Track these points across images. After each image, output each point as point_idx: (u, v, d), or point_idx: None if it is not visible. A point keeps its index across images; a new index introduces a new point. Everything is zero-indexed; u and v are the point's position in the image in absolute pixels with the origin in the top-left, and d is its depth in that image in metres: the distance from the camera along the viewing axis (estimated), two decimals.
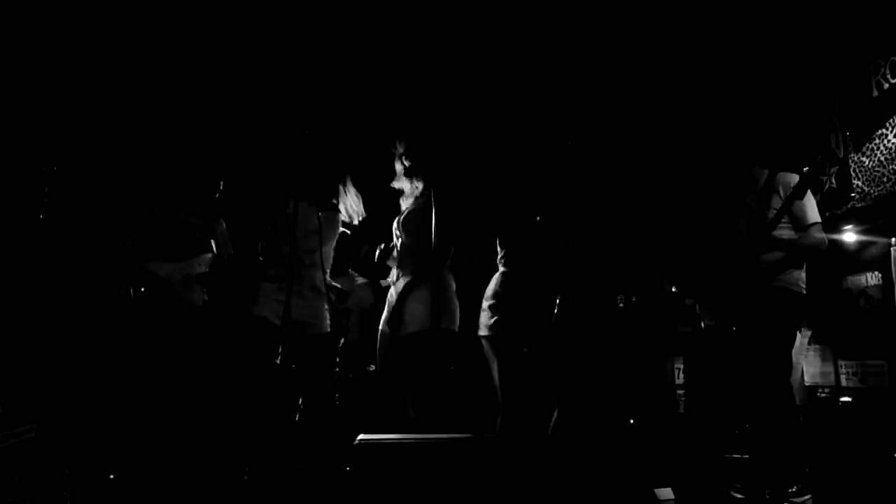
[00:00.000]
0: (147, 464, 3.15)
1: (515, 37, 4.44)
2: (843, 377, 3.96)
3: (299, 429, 3.37)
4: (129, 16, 3.93)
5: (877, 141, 3.71)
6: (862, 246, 3.93)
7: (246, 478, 2.89)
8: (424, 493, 1.78)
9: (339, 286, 3.26)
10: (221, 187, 3.44)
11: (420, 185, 3.25)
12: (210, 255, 3.40)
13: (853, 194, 3.89)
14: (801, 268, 3.29)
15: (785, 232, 3.23)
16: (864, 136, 3.82)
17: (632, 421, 3.96)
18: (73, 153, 3.59)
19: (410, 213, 3.28)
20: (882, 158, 3.67)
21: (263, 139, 4.27)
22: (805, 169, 3.06)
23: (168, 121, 4.63)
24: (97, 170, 4.23)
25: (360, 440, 1.83)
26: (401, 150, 3.28)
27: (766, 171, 3.42)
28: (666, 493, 3.31)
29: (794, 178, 3.26)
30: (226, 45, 4.30)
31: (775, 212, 3.20)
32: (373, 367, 4.10)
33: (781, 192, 3.24)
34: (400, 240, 3.29)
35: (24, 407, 2.88)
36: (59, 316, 3.68)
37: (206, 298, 3.30)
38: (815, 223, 3.20)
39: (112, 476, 3.16)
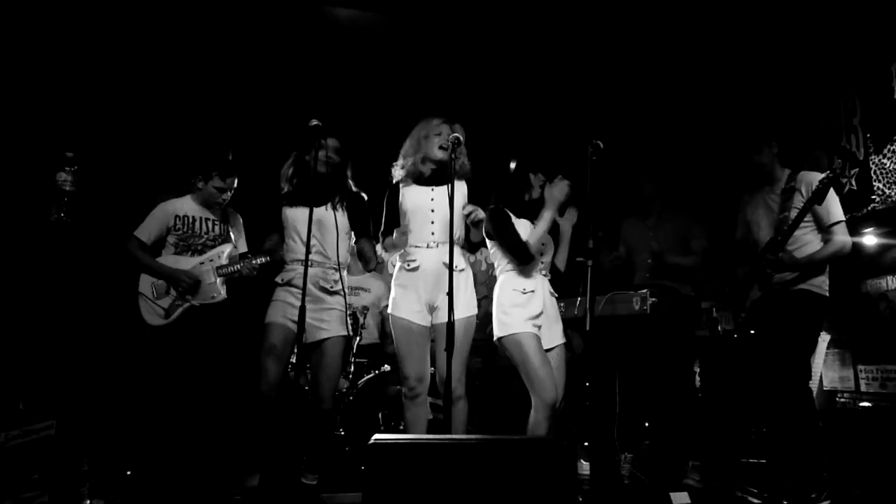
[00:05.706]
0: (163, 460, 3.17)
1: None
2: (862, 382, 3.90)
3: (311, 430, 3.39)
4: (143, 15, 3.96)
5: None
6: (882, 249, 3.87)
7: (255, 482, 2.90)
8: (440, 493, 1.78)
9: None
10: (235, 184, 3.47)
11: None
12: (230, 246, 3.45)
13: (874, 196, 3.84)
14: (823, 271, 3.25)
15: (808, 233, 3.20)
16: (885, 137, 3.77)
17: (647, 424, 3.93)
18: (90, 155, 3.62)
19: None
20: None
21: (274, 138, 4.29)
22: (824, 175, 3.02)
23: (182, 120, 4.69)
24: (114, 170, 4.28)
25: (376, 440, 1.83)
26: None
27: (788, 171, 3.39)
28: (682, 497, 3.27)
29: (816, 177, 3.21)
30: (240, 46, 4.32)
31: (797, 211, 3.16)
32: (387, 368, 4.11)
33: (803, 191, 3.20)
34: None
35: (44, 404, 2.91)
36: (78, 314, 3.73)
37: (225, 293, 3.33)
38: (838, 222, 3.15)
39: (129, 472, 3.19)
